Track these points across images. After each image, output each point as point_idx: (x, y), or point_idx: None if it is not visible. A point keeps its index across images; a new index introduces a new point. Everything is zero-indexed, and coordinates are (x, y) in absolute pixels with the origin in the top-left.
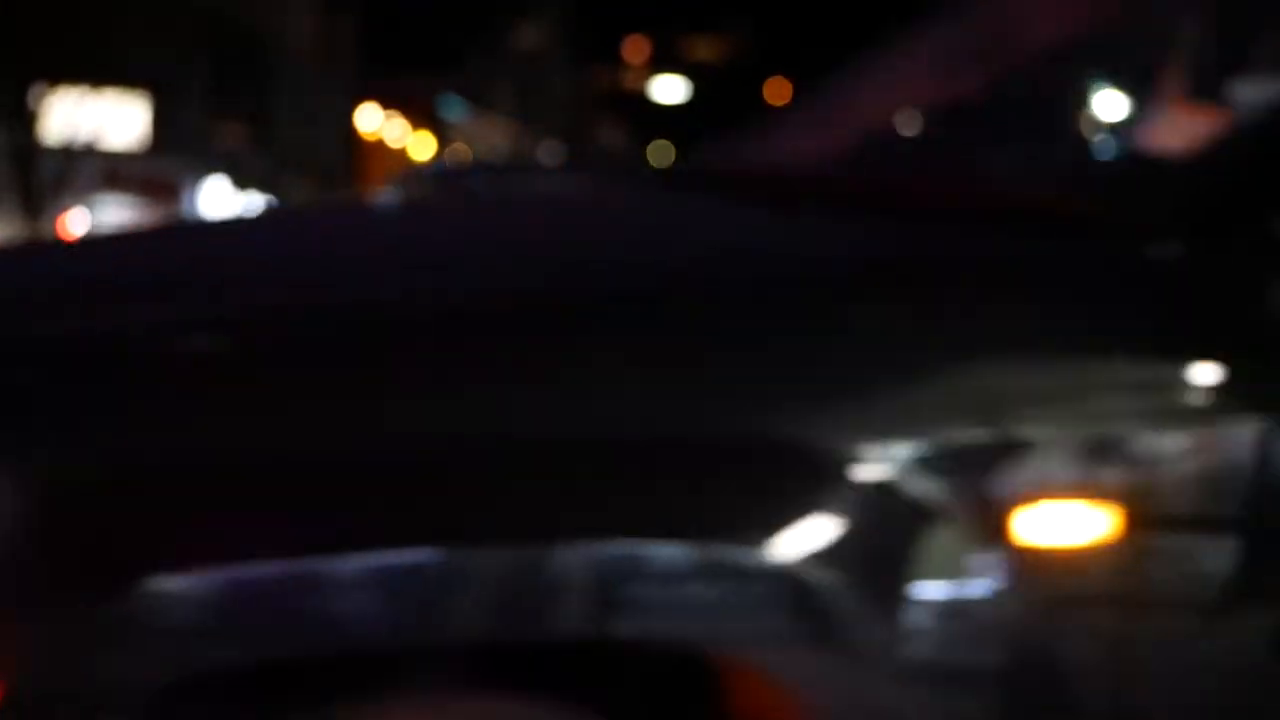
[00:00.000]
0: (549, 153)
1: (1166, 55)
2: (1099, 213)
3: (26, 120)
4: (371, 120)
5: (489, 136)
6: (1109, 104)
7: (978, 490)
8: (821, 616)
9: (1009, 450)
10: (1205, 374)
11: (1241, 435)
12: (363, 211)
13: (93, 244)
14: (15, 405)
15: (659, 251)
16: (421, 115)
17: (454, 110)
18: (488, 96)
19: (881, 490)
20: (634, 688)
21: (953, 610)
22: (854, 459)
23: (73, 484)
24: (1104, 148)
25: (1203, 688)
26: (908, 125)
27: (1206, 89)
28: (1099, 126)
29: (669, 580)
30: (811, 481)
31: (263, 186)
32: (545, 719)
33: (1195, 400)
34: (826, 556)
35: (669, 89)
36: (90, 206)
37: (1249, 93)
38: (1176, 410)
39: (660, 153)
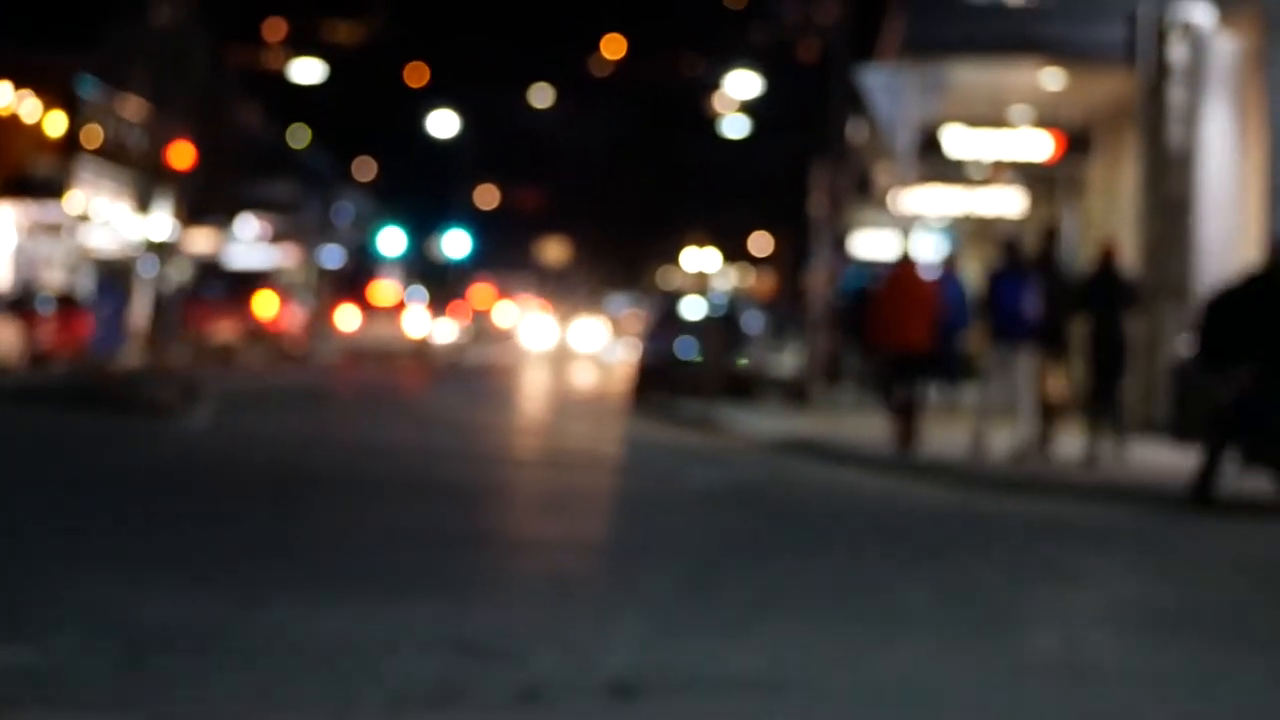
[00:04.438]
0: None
1: None
2: None
3: None
4: (2, 97)
5: (124, 116)
6: None
7: None
8: None
9: None
10: None
11: None
12: None
13: None
14: None
15: None
16: (56, 94)
17: (89, 89)
18: (124, 75)
19: None
20: None
21: None
22: None
23: None
24: None
25: None
26: None
27: None
28: None
29: None
30: None
31: None
32: None
33: None
34: None
35: (308, 71)
36: None
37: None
38: None
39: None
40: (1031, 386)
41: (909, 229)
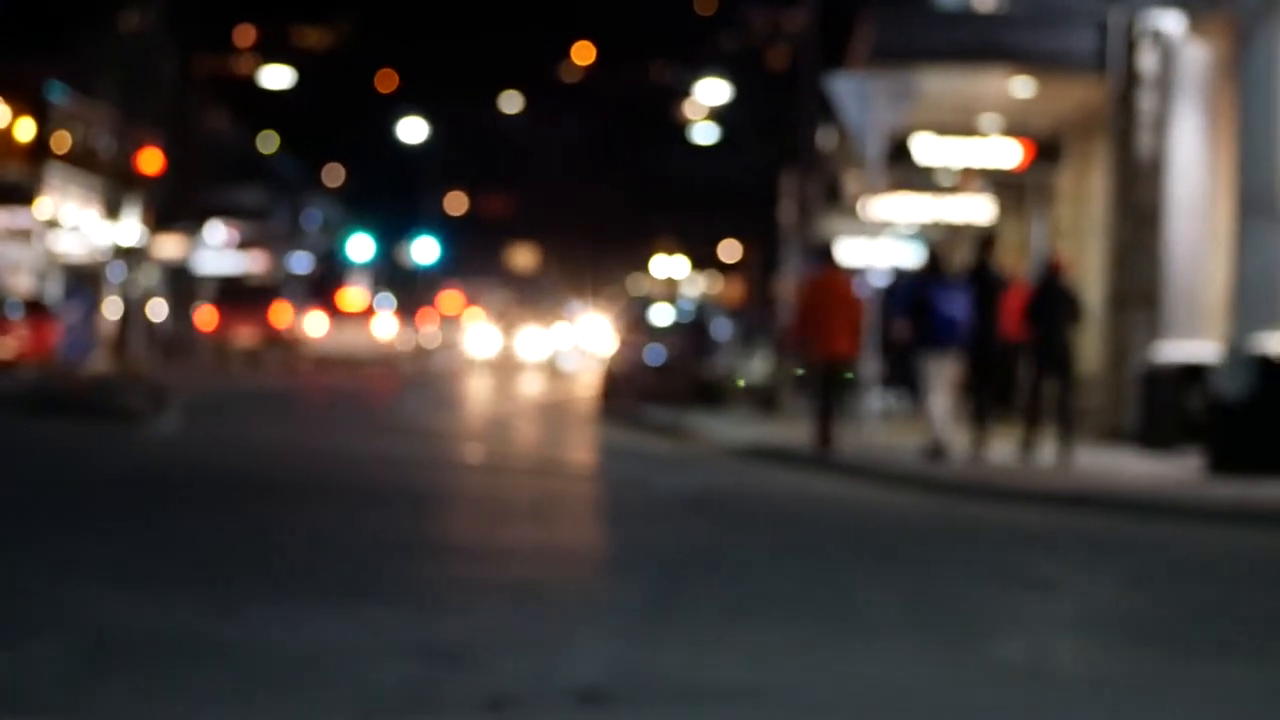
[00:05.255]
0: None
1: None
2: None
3: None
4: None
5: (93, 122)
6: None
7: None
8: None
9: None
10: None
11: None
12: None
13: None
14: None
15: None
16: (25, 99)
17: (58, 95)
18: (93, 81)
19: None
20: None
21: None
22: None
23: None
24: None
25: None
26: None
27: None
28: None
29: None
30: None
31: None
32: None
33: None
34: None
35: (277, 77)
36: None
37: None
38: None
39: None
40: (950, 389)
41: (876, 234)
